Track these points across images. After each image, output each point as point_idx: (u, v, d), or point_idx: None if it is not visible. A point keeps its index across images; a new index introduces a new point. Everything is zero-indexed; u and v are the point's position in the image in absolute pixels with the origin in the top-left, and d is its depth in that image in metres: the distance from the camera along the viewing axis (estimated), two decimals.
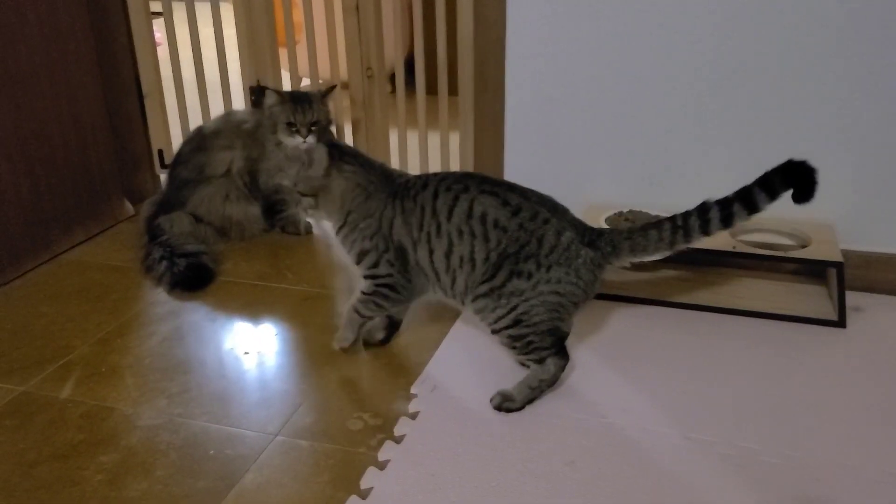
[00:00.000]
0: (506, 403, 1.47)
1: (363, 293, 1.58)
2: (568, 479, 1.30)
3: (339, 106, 2.41)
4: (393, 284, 1.54)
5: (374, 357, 1.68)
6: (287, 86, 2.39)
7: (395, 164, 2.44)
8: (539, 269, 1.40)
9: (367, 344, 1.71)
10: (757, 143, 1.87)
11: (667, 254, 1.44)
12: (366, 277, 1.57)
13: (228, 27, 2.39)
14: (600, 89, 1.95)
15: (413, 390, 1.54)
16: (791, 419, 1.43)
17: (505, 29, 1.96)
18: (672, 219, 1.41)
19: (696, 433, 1.40)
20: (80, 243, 2.23)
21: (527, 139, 2.05)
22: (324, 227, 1.61)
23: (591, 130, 1.99)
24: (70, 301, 1.92)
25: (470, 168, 2.15)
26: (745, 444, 1.37)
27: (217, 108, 2.42)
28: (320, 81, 2.32)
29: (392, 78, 2.49)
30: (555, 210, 1.45)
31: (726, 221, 1.38)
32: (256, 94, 2.44)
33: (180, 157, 2.24)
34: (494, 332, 1.47)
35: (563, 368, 1.49)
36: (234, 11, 2.39)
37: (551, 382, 1.49)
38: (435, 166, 2.32)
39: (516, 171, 2.07)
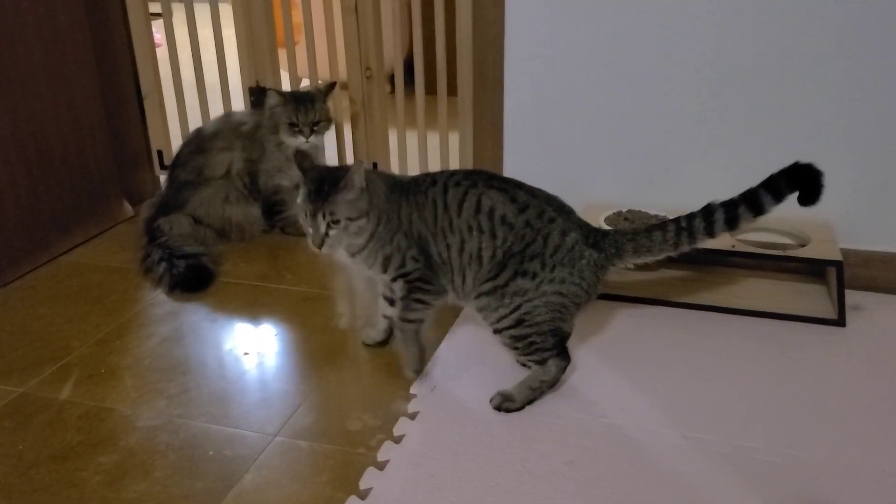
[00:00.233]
0: (506, 404, 1.47)
1: (401, 298, 1.52)
2: (567, 479, 1.30)
3: (338, 106, 2.41)
4: (423, 276, 1.49)
5: (374, 357, 1.67)
6: (286, 86, 2.39)
7: (394, 164, 2.45)
8: (544, 268, 1.40)
9: (367, 344, 1.71)
10: (756, 143, 1.86)
11: (671, 255, 1.44)
12: (396, 279, 1.51)
13: (228, 28, 2.39)
14: (599, 89, 1.95)
15: (412, 390, 1.54)
16: (791, 418, 1.43)
17: (504, 29, 1.96)
18: (676, 220, 1.41)
19: (695, 432, 1.40)
20: (78, 245, 2.23)
21: (526, 139, 2.05)
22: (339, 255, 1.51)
23: (589, 130, 1.99)
24: (69, 302, 1.92)
25: (469, 168, 2.15)
26: (744, 444, 1.36)
27: (216, 109, 2.42)
28: (319, 82, 2.31)
29: (391, 78, 2.49)
30: (561, 210, 1.45)
31: (731, 223, 1.38)
32: (256, 94, 2.43)
33: (179, 158, 2.24)
34: (496, 331, 1.47)
35: (563, 370, 1.48)
36: (234, 12, 2.39)
37: (552, 384, 1.49)
38: (434, 166, 2.32)
39: (515, 170, 2.06)
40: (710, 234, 1.39)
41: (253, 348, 1.71)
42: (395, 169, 2.45)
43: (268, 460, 1.36)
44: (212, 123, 2.27)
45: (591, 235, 1.43)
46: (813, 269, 1.90)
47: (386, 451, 1.37)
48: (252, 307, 1.89)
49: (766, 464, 1.32)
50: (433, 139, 2.35)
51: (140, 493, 1.29)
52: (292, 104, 2.13)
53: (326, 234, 1.41)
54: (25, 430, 1.45)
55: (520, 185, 1.46)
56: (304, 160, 1.45)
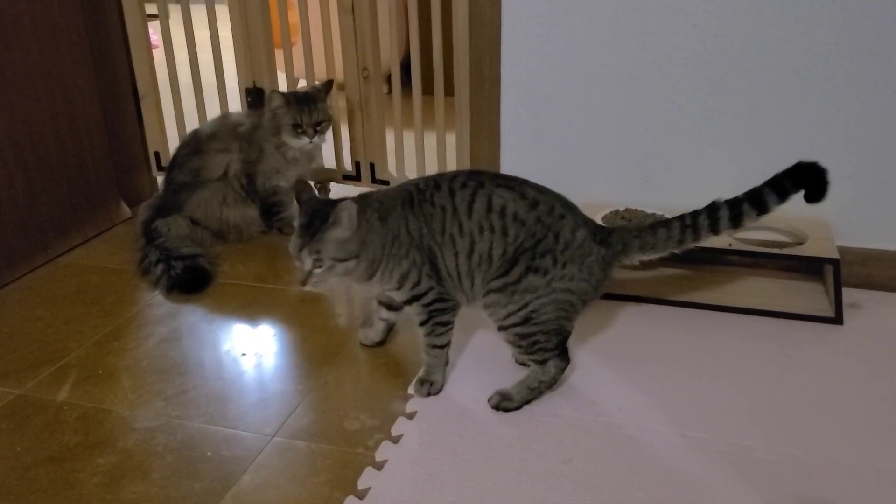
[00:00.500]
0: (504, 403, 1.47)
1: (422, 324, 1.49)
2: (566, 478, 1.30)
3: (335, 107, 2.40)
4: (439, 296, 1.46)
5: (372, 358, 1.67)
6: (283, 87, 2.39)
7: (391, 164, 2.45)
8: (555, 265, 1.39)
9: (364, 345, 1.71)
10: (754, 141, 1.87)
11: (675, 252, 1.44)
12: (410, 302, 1.47)
13: (224, 29, 2.39)
14: (597, 88, 1.95)
15: (410, 390, 1.54)
16: (788, 416, 1.43)
17: (500, 28, 1.96)
18: (681, 218, 1.41)
19: (693, 431, 1.40)
20: (76, 246, 2.22)
21: (523, 138, 2.05)
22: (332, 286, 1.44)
23: (587, 129, 1.99)
24: (66, 304, 1.91)
25: (467, 167, 2.15)
26: (741, 442, 1.36)
27: (213, 111, 2.42)
28: (316, 82, 2.31)
29: (388, 78, 2.49)
30: (567, 206, 1.44)
31: (735, 221, 1.38)
32: (253, 95, 2.43)
33: (176, 160, 2.23)
34: (502, 328, 1.45)
35: (562, 371, 1.48)
36: (230, 13, 2.38)
37: (550, 384, 1.49)
38: (431, 166, 2.32)
39: (513, 169, 2.05)
40: (715, 231, 1.40)
41: (251, 349, 1.71)
42: (392, 169, 2.45)
43: (266, 461, 1.36)
44: (209, 125, 2.27)
45: (598, 232, 1.43)
46: (810, 268, 1.91)
47: (384, 451, 1.37)
48: (250, 308, 1.89)
49: (764, 462, 1.32)
50: (430, 139, 2.35)
51: (138, 494, 1.29)
52: (295, 105, 2.12)
53: (311, 272, 1.38)
54: (23, 431, 1.45)
55: (524, 182, 1.45)
56: (303, 191, 1.42)
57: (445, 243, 1.43)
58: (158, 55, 2.47)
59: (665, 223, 1.42)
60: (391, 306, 1.64)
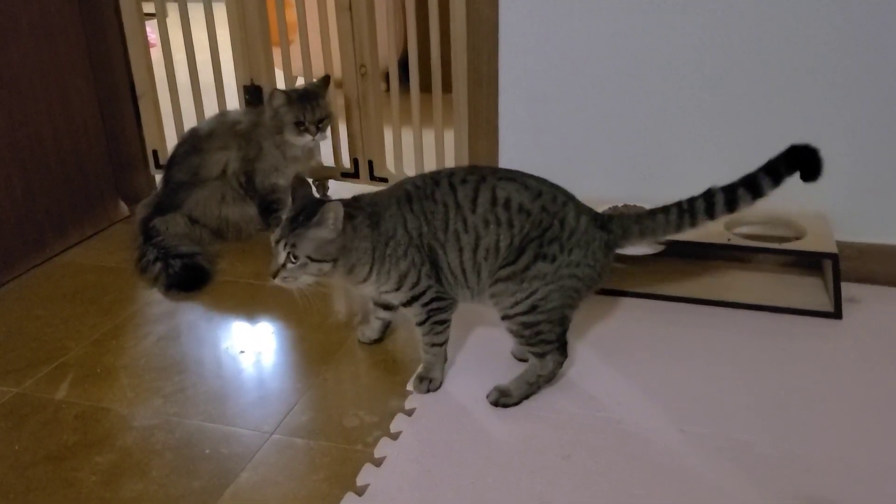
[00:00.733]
0: (502, 399, 1.47)
1: (420, 324, 1.48)
2: (564, 474, 1.29)
3: (333, 104, 2.40)
4: (437, 295, 1.45)
5: (370, 355, 1.67)
6: (281, 85, 2.38)
7: (389, 162, 2.45)
8: (563, 251, 1.39)
9: (363, 343, 1.71)
10: (752, 138, 1.86)
11: (673, 236, 1.45)
12: (409, 303, 1.46)
13: (222, 28, 2.38)
14: (594, 85, 1.94)
15: (409, 387, 1.54)
16: (787, 411, 1.43)
17: (498, 25, 1.96)
18: (678, 203, 1.43)
19: (692, 426, 1.40)
20: (74, 245, 2.22)
21: (521, 135, 2.05)
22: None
23: (585, 125, 1.99)
24: (64, 303, 1.91)
25: (465, 164, 2.15)
26: (740, 437, 1.36)
27: (211, 109, 2.41)
28: (313, 80, 2.31)
29: (386, 76, 2.49)
30: (567, 195, 1.45)
31: (731, 205, 1.39)
32: (251, 93, 2.43)
33: (174, 159, 2.23)
34: (507, 317, 1.44)
35: (560, 366, 1.48)
36: (227, 11, 2.38)
37: (549, 378, 1.49)
38: (430, 163, 2.31)
39: (511, 166, 2.04)
40: (711, 215, 1.40)
41: (249, 347, 1.71)
42: (390, 167, 2.44)
43: (264, 458, 1.36)
44: (206, 123, 2.26)
45: (599, 218, 1.44)
46: (809, 262, 1.90)
47: (383, 448, 1.36)
48: (248, 306, 1.89)
49: (763, 457, 1.32)
50: (428, 136, 2.35)
51: (137, 492, 1.29)
52: (298, 103, 2.12)
53: (284, 265, 1.37)
54: (22, 430, 1.45)
55: (524, 174, 1.45)
56: (300, 186, 1.42)
57: (449, 240, 1.42)
58: (156, 54, 2.46)
59: (663, 209, 1.43)
60: (388, 307, 1.64)
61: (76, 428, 1.45)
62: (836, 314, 1.72)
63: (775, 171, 1.36)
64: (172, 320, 1.82)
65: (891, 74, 1.74)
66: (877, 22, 1.71)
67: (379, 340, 1.70)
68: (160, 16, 2.44)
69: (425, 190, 1.43)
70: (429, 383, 1.52)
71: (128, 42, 2.40)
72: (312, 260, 1.36)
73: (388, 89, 2.43)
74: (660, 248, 1.81)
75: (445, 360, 1.55)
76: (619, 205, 1.95)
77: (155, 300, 1.92)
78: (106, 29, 2.34)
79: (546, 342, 1.44)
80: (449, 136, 2.25)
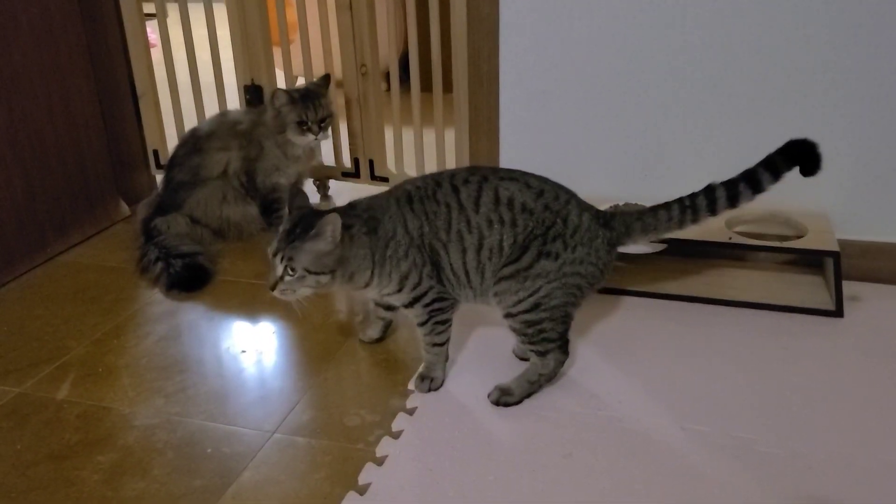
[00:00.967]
0: (504, 398, 1.47)
1: (421, 325, 1.48)
2: (566, 472, 1.29)
3: (334, 104, 2.40)
4: (438, 296, 1.45)
5: (371, 354, 1.67)
6: (281, 84, 2.38)
7: (390, 162, 2.44)
8: (566, 249, 1.39)
9: (364, 342, 1.71)
10: (750, 137, 1.86)
11: (675, 232, 1.45)
12: (411, 304, 1.46)
13: (222, 28, 2.38)
14: (594, 83, 1.94)
15: (410, 386, 1.54)
16: (788, 409, 1.43)
17: (498, 24, 1.96)
18: (680, 200, 1.43)
19: (693, 424, 1.40)
20: (75, 245, 2.22)
21: (521, 133, 2.04)
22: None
23: (585, 124, 1.99)
24: (66, 302, 1.91)
25: (466, 163, 2.15)
26: (742, 435, 1.36)
27: (212, 109, 2.41)
28: (314, 80, 2.31)
29: (387, 75, 2.49)
30: (569, 193, 1.45)
31: (732, 201, 1.40)
32: (251, 93, 2.43)
33: (175, 159, 2.23)
34: (510, 315, 1.43)
35: (562, 364, 1.48)
36: (228, 11, 2.38)
37: (550, 377, 1.49)
38: (430, 163, 2.31)
39: (511, 165, 2.05)
40: (713, 211, 1.41)
41: (251, 346, 1.71)
42: (391, 166, 2.44)
43: (266, 457, 1.36)
44: (207, 123, 2.26)
45: (601, 216, 1.44)
46: (810, 261, 1.90)
47: (384, 447, 1.36)
48: (250, 305, 1.89)
49: (764, 455, 1.32)
50: (429, 135, 2.35)
51: (139, 491, 1.29)
52: (300, 103, 2.12)
53: (282, 278, 1.36)
54: (23, 429, 1.45)
55: (525, 173, 1.45)
56: (297, 197, 1.41)
57: (452, 241, 1.42)
58: (156, 54, 2.46)
59: (665, 205, 1.44)
60: (389, 307, 1.64)
61: (78, 427, 1.45)
62: (838, 312, 1.72)
63: (774, 165, 1.37)
64: (174, 320, 1.82)
65: (891, 74, 1.74)
66: (877, 22, 1.71)
67: (380, 340, 1.70)
68: (160, 16, 2.44)
69: (426, 190, 1.43)
70: (430, 382, 1.52)
71: (128, 42, 2.41)
72: (310, 272, 1.36)
73: (388, 88, 2.44)
74: (661, 247, 1.81)
75: (447, 359, 1.55)
76: (620, 203, 1.95)
77: (156, 300, 1.92)
78: (106, 29, 2.34)
79: (548, 340, 1.44)
80: (449, 136, 2.25)
